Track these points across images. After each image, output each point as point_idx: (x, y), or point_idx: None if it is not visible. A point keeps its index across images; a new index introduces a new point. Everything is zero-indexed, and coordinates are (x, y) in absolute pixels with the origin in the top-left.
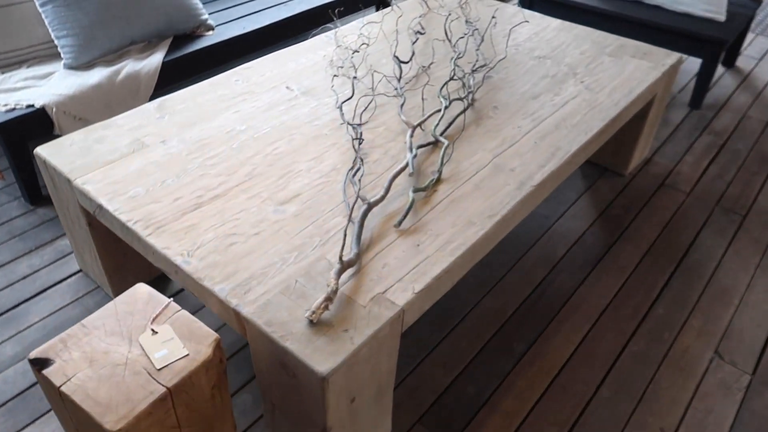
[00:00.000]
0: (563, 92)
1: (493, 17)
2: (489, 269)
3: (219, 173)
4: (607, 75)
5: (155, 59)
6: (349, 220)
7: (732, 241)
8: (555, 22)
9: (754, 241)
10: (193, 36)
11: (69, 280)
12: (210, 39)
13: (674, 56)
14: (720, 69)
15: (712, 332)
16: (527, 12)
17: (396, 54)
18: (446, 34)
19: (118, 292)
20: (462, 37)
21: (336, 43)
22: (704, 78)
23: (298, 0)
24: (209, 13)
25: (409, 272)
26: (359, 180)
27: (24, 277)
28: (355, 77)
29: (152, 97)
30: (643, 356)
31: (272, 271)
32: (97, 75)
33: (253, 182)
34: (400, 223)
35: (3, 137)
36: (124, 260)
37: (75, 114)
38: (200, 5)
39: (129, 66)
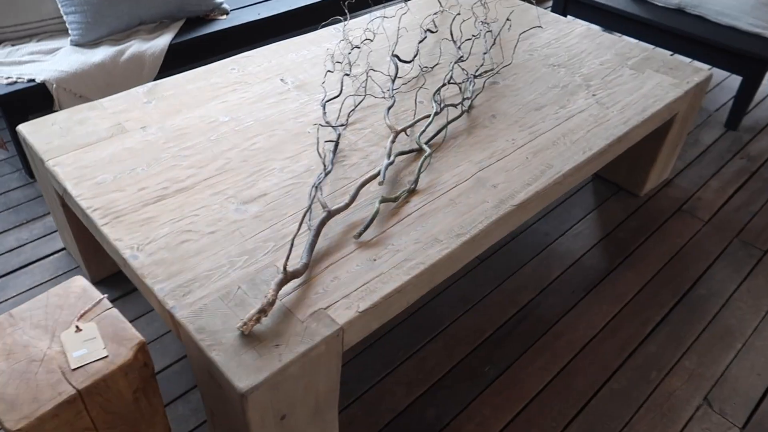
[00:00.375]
0: (570, 105)
1: (508, 19)
2: (473, 285)
3: (190, 165)
4: (624, 89)
5: (162, 41)
6: (299, 227)
7: (746, 278)
8: (579, 28)
9: None
10: (206, 19)
11: (52, 257)
12: (222, 23)
13: (702, 73)
14: (767, 88)
15: (705, 376)
16: (553, 16)
17: (395, 53)
18: (452, 34)
19: (95, 274)
20: (469, 39)
21: (342, 36)
22: (744, 98)
23: None
24: None
25: (358, 288)
26: (316, 186)
27: (10, 250)
28: (347, 74)
29: (156, 80)
30: (623, 395)
31: (217, 274)
32: (101, 53)
33: (222, 177)
34: (359, 234)
35: (3, 110)
36: (99, 244)
37: (76, 91)
38: None
39: (134, 46)
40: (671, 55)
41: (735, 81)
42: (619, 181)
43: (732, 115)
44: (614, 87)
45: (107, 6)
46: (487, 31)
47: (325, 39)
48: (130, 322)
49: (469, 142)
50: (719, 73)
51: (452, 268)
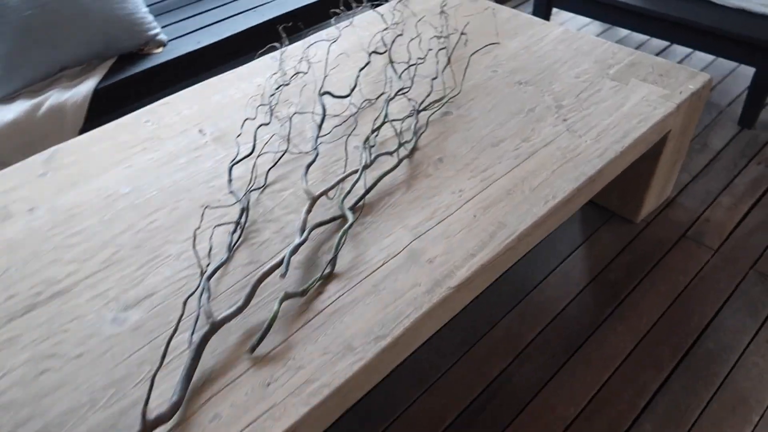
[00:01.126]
0: (534, 136)
1: (463, 33)
2: (435, 355)
3: (74, 258)
4: (601, 109)
5: (85, 87)
6: (162, 357)
7: (764, 323)
8: (555, 31)
9: None
10: (140, 54)
11: None
12: (159, 57)
13: (699, 78)
14: None
15: None
16: (524, 17)
17: (325, 90)
18: (390, 58)
19: None
20: (413, 65)
21: (278, 67)
22: (758, 91)
23: (270, 5)
24: (162, 27)
25: (242, 430)
26: (186, 301)
27: None
28: (264, 124)
29: (84, 130)
30: None
31: (73, 419)
32: (15, 109)
33: (107, 272)
34: (253, 348)
35: None
36: None
37: None
38: (149, 19)
39: (53, 97)
40: (668, 47)
41: (749, 69)
42: (612, 206)
43: (746, 111)
44: (590, 107)
45: (18, 54)
46: (440, 49)
47: (258, 72)
48: None
49: (407, 198)
50: (730, 62)
51: (371, 382)
